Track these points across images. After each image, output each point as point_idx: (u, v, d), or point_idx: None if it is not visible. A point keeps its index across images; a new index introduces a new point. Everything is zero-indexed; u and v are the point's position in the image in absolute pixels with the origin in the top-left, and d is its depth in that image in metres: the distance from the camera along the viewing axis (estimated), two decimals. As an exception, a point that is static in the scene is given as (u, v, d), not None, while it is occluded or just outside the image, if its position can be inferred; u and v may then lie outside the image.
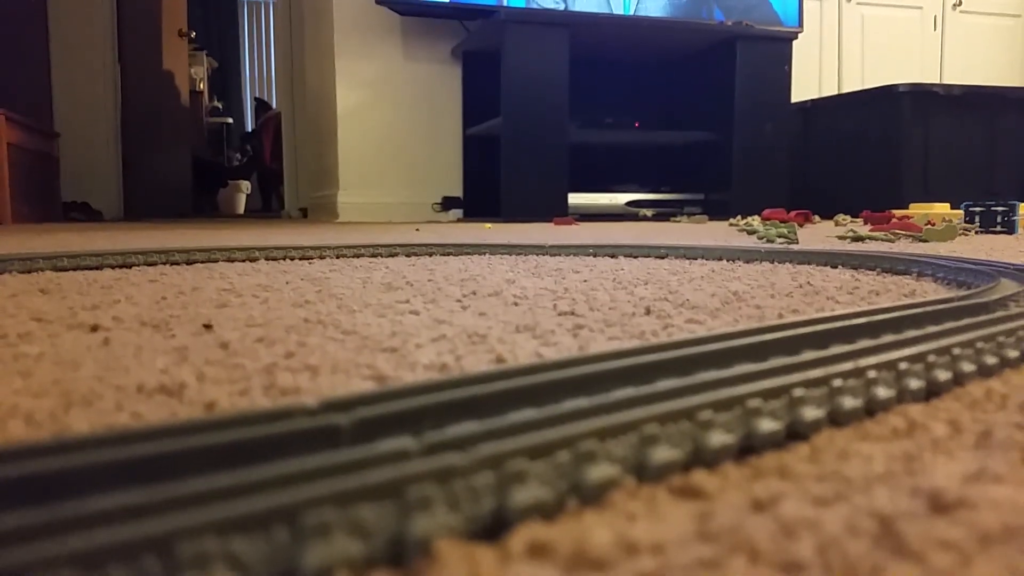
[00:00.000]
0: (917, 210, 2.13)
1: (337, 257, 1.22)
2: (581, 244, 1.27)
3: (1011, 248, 1.35)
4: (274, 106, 5.26)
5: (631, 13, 3.39)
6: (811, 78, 4.07)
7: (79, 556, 0.16)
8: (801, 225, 2.33)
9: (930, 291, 0.73)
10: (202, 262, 1.13)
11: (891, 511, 0.23)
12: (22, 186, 3.12)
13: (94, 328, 0.57)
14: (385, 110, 3.50)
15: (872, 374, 0.34)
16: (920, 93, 3.23)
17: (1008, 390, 0.37)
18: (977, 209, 1.89)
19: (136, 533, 0.17)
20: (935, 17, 4.25)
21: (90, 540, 0.17)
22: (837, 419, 0.32)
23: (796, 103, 3.58)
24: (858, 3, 4.14)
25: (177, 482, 0.19)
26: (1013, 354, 0.41)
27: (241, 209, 5.22)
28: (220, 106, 6.04)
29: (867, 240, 1.53)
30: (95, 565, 0.17)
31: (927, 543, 0.21)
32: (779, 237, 1.53)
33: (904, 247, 1.38)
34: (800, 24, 3.56)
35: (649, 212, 3.44)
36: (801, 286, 0.77)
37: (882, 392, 0.34)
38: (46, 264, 1.00)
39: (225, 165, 5.66)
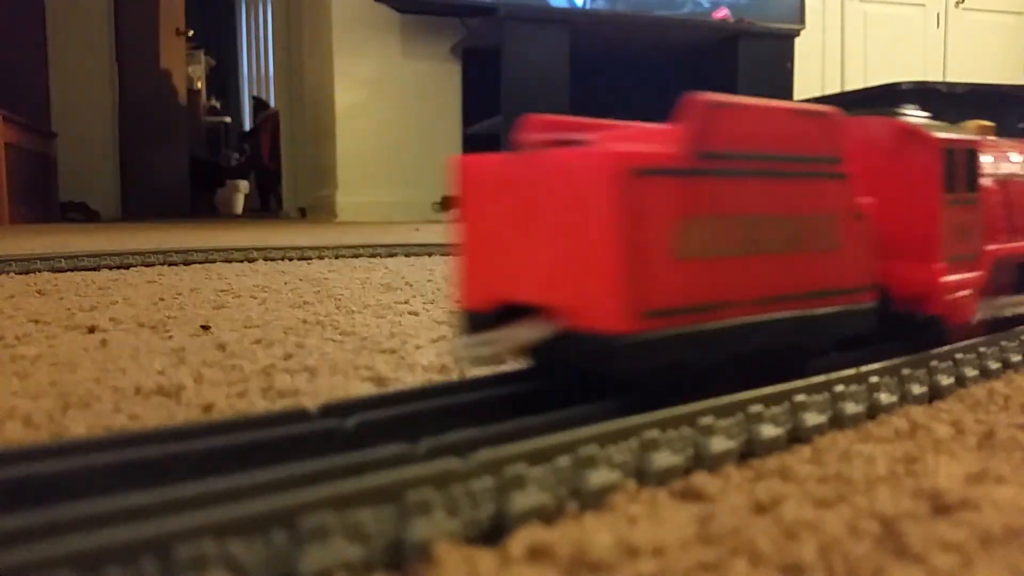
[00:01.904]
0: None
1: (336, 257, 1.22)
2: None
3: (1010, 247, 1.35)
4: (272, 105, 5.24)
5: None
6: (814, 76, 4.06)
7: (78, 557, 0.16)
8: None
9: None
10: (200, 263, 1.13)
11: (893, 512, 0.23)
12: (19, 186, 3.12)
13: (91, 329, 0.57)
14: (384, 109, 3.49)
15: (874, 379, 0.34)
16: (923, 91, 3.22)
17: (1011, 391, 0.37)
18: (977, 207, 1.88)
19: (134, 535, 0.17)
20: (938, 14, 4.25)
21: (89, 542, 0.17)
22: (839, 423, 0.32)
23: (799, 101, 3.58)
24: (861, 0, 4.14)
25: (176, 485, 0.19)
26: (1016, 358, 0.41)
27: (239, 209, 5.20)
28: (218, 105, 6.03)
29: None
30: (94, 566, 0.16)
31: (929, 544, 0.21)
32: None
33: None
34: (802, 21, 3.55)
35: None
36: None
37: (884, 398, 0.34)
38: (44, 265, 1.00)
39: (223, 165, 5.64)
